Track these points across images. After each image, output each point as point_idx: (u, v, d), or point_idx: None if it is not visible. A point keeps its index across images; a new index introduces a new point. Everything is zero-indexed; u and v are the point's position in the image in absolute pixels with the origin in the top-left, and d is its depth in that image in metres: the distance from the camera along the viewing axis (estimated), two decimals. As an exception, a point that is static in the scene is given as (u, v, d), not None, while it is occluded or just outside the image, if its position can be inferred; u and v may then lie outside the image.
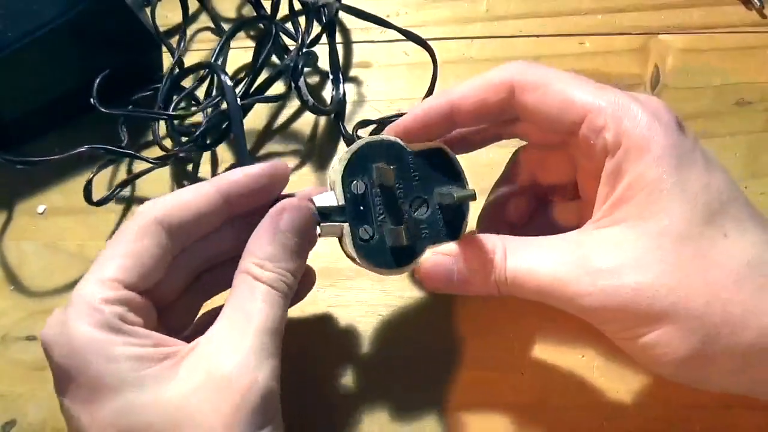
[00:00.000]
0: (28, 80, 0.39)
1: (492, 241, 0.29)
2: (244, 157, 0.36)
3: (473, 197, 0.28)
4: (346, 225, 0.29)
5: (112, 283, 0.26)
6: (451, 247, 0.30)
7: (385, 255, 0.29)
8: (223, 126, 0.39)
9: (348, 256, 0.30)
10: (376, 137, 0.30)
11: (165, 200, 0.28)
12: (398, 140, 0.30)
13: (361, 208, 0.29)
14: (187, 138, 0.38)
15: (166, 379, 0.25)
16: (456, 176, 0.31)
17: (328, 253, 0.37)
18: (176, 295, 0.30)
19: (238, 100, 0.37)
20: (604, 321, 0.27)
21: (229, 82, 0.36)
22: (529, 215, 0.34)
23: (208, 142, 0.39)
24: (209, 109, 0.39)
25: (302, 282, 0.33)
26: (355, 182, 0.29)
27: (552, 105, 0.28)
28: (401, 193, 0.30)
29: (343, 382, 0.35)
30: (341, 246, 0.30)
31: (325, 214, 0.29)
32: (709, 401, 0.33)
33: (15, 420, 0.35)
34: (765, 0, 0.43)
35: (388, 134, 0.31)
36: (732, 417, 0.33)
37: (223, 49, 0.41)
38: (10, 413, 0.36)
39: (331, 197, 0.29)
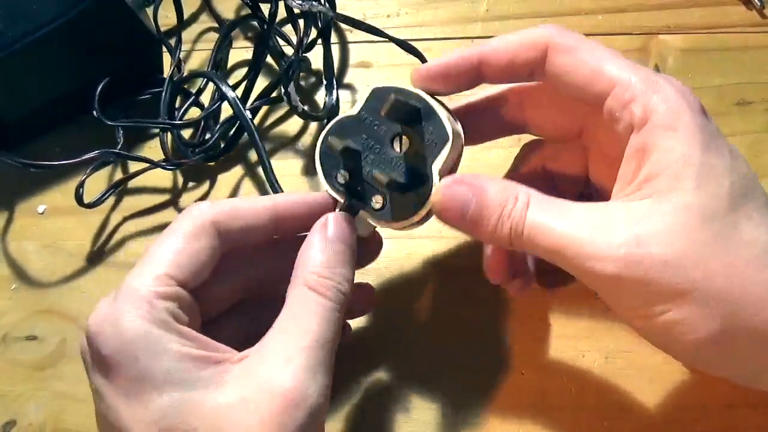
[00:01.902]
0: (28, 80, 0.39)
1: (516, 188, 0.28)
2: (269, 172, 0.36)
3: (391, 99, 0.28)
4: (361, 212, 0.30)
5: (165, 279, 0.26)
6: (474, 179, 0.28)
7: (408, 201, 0.29)
8: (230, 134, 0.39)
9: (393, 228, 0.30)
10: (323, 134, 0.30)
11: (222, 205, 0.29)
12: (337, 118, 0.30)
13: (359, 188, 0.30)
14: (191, 142, 0.39)
15: (214, 385, 0.25)
16: (396, 91, 0.30)
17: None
18: (220, 309, 0.30)
19: (248, 114, 0.37)
20: (621, 292, 0.26)
21: (231, 93, 0.37)
22: None
23: (216, 152, 0.40)
24: (215, 118, 0.40)
25: (360, 300, 0.34)
26: (336, 176, 0.30)
27: (582, 72, 0.28)
28: (377, 148, 0.30)
29: (342, 381, 0.35)
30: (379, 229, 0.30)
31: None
32: (711, 401, 0.33)
33: (15, 420, 0.35)
34: (765, 0, 0.43)
35: (415, 76, 0.30)
36: (734, 417, 0.33)
37: (219, 53, 0.42)
38: (10, 413, 0.36)
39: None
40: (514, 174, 0.34)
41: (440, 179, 0.28)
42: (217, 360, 0.25)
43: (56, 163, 0.37)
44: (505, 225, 0.27)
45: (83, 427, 0.35)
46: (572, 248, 0.25)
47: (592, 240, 0.25)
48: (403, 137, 0.29)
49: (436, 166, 0.28)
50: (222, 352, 0.26)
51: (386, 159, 0.29)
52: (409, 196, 0.29)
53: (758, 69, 0.41)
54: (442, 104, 0.30)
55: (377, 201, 0.29)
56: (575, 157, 0.32)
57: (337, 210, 0.30)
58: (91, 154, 0.36)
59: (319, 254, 0.28)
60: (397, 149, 0.29)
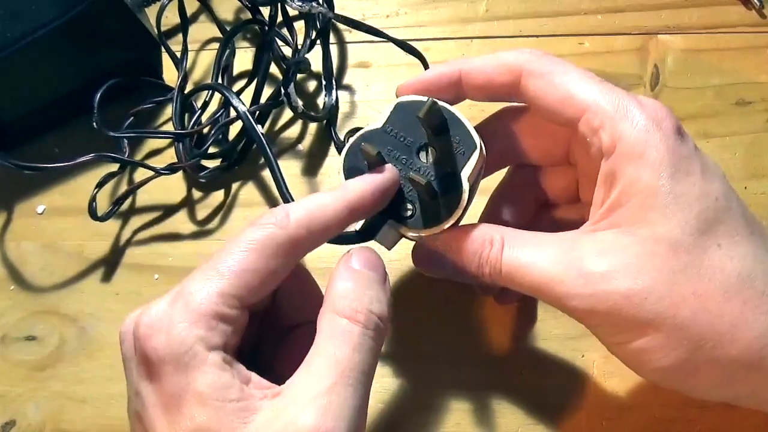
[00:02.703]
0: (28, 80, 0.39)
1: (490, 232, 0.29)
2: (280, 185, 0.34)
3: (429, 101, 0.28)
4: (389, 221, 0.29)
5: (231, 299, 0.25)
6: (450, 238, 0.29)
7: (437, 209, 0.29)
8: (239, 146, 0.40)
9: (420, 240, 0.30)
10: (346, 148, 0.30)
11: (300, 219, 0.26)
12: (360, 130, 0.30)
13: None
14: (200, 152, 0.39)
15: (241, 421, 0.23)
16: (419, 103, 0.29)
17: (328, 254, 0.37)
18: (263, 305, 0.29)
19: (258, 128, 0.36)
20: (593, 324, 0.27)
21: (243, 107, 0.36)
22: (528, 221, 0.34)
23: (228, 162, 0.40)
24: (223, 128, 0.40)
25: None
26: None
27: (554, 96, 0.28)
28: (404, 159, 0.29)
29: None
30: (409, 239, 0.30)
31: (369, 229, 0.29)
32: (710, 401, 0.33)
33: (15, 420, 0.35)
34: (765, 0, 0.43)
35: (399, 92, 0.31)
36: (732, 417, 0.33)
37: (221, 62, 0.42)
38: (10, 413, 0.36)
39: (360, 222, 0.30)
40: (505, 189, 0.34)
41: (469, 186, 0.29)
42: (252, 396, 0.24)
43: (49, 165, 0.36)
44: (485, 268, 0.28)
45: (83, 427, 0.35)
46: (546, 286, 0.27)
47: (563, 278, 0.26)
48: (430, 147, 0.29)
49: (465, 173, 0.29)
50: (259, 388, 0.25)
51: (414, 169, 0.29)
52: (439, 204, 0.29)
53: (758, 69, 0.41)
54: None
55: (407, 209, 0.29)
56: (565, 174, 0.32)
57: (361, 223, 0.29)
58: (86, 157, 0.36)
59: (346, 282, 0.27)
60: (425, 159, 0.29)
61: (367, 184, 0.28)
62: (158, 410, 0.24)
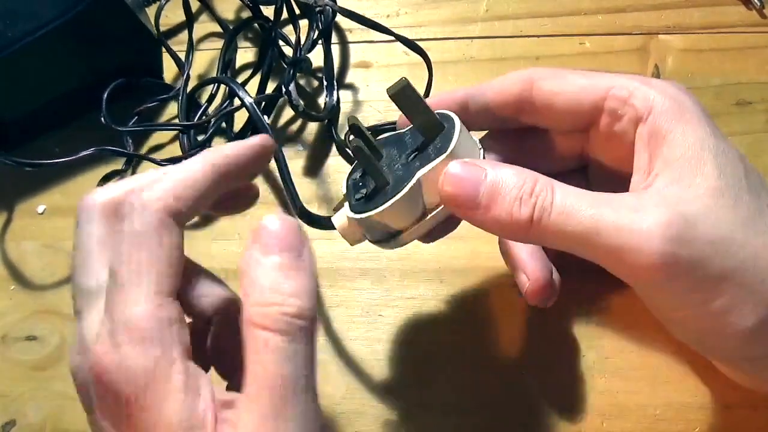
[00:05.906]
0: (28, 80, 0.39)
1: (533, 172, 0.26)
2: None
3: (401, 79, 0.27)
4: (345, 205, 0.29)
5: (167, 300, 0.23)
6: (483, 161, 0.26)
7: (386, 194, 0.27)
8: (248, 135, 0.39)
9: (371, 239, 0.29)
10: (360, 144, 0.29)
11: (159, 190, 0.24)
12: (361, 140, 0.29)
13: (360, 184, 0.29)
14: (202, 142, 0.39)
15: None
16: (442, 114, 0.29)
17: (328, 254, 0.37)
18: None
19: (265, 119, 0.35)
20: (664, 280, 0.24)
21: (249, 99, 0.35)
22: None
23: None
24: (227, 121, 0.40)
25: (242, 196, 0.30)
26: (354, 173, 0.30)
27: (572, 88, 0.29)
28: (397, 157, 0.29)
29: (340, 382, 0.35)
30: (370, 241, 0.29)
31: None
32: (709, 401, 0.33)
33: (15, 420, 0.35)
34: (765, 0, 0.43)
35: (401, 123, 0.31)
36: (732, 417, 0.33)
37: (225, 57, 0.42)
38: (10, 413, 0.36)
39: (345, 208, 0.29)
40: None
41: (417, 183, 0.26)
42: (217, 406, 0.22)
43: (51, 161, 0.37)
44: (526, 206, 0.25)
45: (83, 426, 0.35)
46: (610, 231, 0.24)
47: (634, 221, 0.23)
48: (416, 151, 0.28)
49: (421, 172, 0.26)
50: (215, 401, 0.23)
51: (391, 165, 0.29)
52: (381, 196, 0.27)
53: (758, 69, 0.41)
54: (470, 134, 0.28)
55: (360, 193, 0.29)
56: (569, 145, 0.31)
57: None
58: (88, 152, 0.36)
59: (254, 279, 0.23)
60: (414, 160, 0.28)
61: (232, 147, 0.26)
62: None
